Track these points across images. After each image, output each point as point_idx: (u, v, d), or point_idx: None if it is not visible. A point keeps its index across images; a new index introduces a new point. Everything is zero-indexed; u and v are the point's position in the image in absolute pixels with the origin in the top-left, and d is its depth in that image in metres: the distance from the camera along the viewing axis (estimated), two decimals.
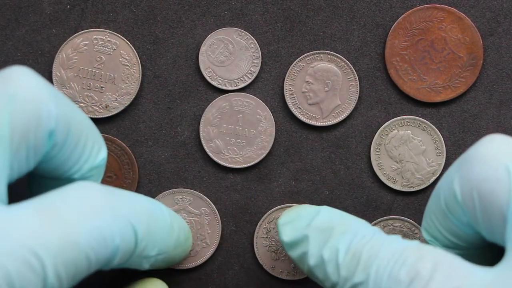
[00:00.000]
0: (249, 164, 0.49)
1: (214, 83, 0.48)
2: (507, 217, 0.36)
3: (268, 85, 0.49)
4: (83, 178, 0.41)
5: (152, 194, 0.49)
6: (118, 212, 0.38)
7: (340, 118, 0.48)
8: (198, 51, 0.48)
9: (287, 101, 0.48)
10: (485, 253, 0.40)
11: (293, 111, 0.48)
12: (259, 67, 0.48)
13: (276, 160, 0.49)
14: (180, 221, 0.45)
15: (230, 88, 0.48)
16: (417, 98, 0.48)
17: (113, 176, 0.49)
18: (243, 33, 0.48)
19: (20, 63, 0.48)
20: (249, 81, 0.48)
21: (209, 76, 0.48)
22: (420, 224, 0.49)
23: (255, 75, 0.48)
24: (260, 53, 0.48)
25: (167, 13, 0.48)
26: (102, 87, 0.48)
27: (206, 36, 0.48)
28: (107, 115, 0.48)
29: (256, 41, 0.48)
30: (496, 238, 0.37)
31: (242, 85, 0.49)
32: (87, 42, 0.48)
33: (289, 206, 0.49)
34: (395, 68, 0.48)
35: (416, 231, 0.49)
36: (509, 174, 0.36)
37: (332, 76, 0.48)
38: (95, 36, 0.48)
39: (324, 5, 0.48)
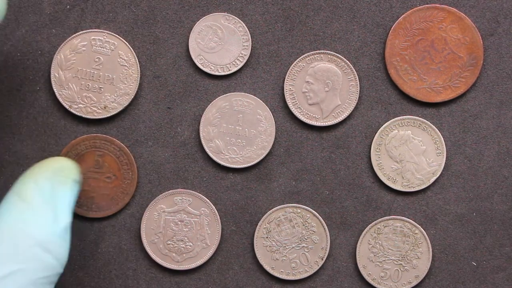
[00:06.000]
0: (249, 164, 0.49)
1: (206, 69, 0.48)
2: None
3: (268, 85, 0.49)
4: None
5: (152, 194, 0.49)
6: None
7: (340, 118, 0.48)
8: (188, 40, 0.48)
9: (287, 101, 0.48)
10: None
11: (293, 111, 0.48)
12: (249, 49, 0.48)
13: (276, 160, 0.49)
14: None
15: (222, 73, 0.48)
16: (417, 98, 0.48)
17: (112, 176, 0.49)
18: (231, 17, 0.48)
19: (20, 63, 0.48)
20: (241, 64, 0.48)
21: (200, 63, 0.48)
22: (420, 224, 0.49)
23: (246, 58, 0.48)
24: (249, 35, 0.48)
25: (167, 13, 0.48)
26: (100, 87, 0.48)
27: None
28: (106, 116, 0.48)
29: (244, 24, 0.48)
30: None
31: (234, 69, 0.48)
32: (85, 43, 0.48)
33: (289, 207, 0.49)
34: (395, 68, 0.48)
35: (416, 231, 0.49)
36: None
37: (332, 76, 0.48)
38: (93, 37, 0.48)
39: (324, 5, 0.48)
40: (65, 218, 0.42)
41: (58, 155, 0.48)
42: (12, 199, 0.41)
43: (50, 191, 0.42)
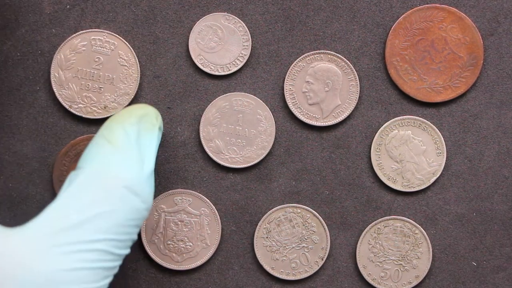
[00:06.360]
0: (249, 164, 0.49)
1: (206, 69, 0.48)
2: None
3: (268, 85, 0.49)
4: None
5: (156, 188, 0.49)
6: None
7: (340, 118, 0.48)
8: (188, 40, 0.48)
9: (287, 101, 0.48)
10: None
11: (293, 111, 0.48)
12: (249, 49, 0.48)
13: (276, 160, 0.49)
14: None
15: (222, 73, 0.48)
16: (417, 98, 0.48)
17: None
18: (231, 17, 0.48)
19: (20, 63, 0.48)
20: (241, 64, 0.48)
21: (200, 63, 0.48)
22: (420, 224, 0.49)
23: (246, 58, 0.48)
24: (249, 35, 0.48)
25: (167, 13, 0.48)
26: (100, 87, 0.48)
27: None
28: (106, 116, 0.48)
29: (244, 24, 0.48)
30: None
31: (234, 69, 0.48)
32: (85, 43, 0.48)
33: (289, 207, 0.49)
34: (395, 68, 0.48)
35: (416, 231, 0.49)
36: None
37: (332, 76, 0.48)
38: (93, 37, 0.48)
39: (324, 5, 0.48)
40: (150, 163, 0.42)
41: (58, 154, 0.48)
42: (100, 141, 0.42)
43: (136, 136, 0.42)
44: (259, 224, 0.49)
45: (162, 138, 0.49)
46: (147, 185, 0.42)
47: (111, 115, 0.44)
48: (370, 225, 0.49)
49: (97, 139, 0.42)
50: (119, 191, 0.40)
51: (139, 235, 0.49)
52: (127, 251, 0.41)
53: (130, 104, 0.48)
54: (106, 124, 0.43)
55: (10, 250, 0.38)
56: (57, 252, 0.38)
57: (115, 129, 0.42)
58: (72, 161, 0.48)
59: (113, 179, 0.40)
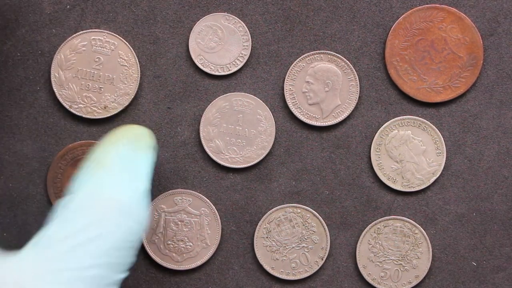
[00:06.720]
0: (249, 164, 0.49)
1: (206, 69, 0.48)
2: None
3: (268, 85, 0.49)
4: None
5: (152, 194, 0.49)
6: None
7: (340, 118, 0.48)
8: (188, 40, 0.48)
9: (287, 101, 0.48)
10: None
11: (293, 111, 0.48)
12: (249, 49, 0.48)
13: (276, 160, 0.49)
14: None
15: (223, 73, 0.48)
16: (417, 98, 0.48)
17: None
18: (231, 17, 0.48)
19: (20, 63, 0.48)
20: (241, 64, 0.48)
21: (200, 63, 0.48)
22: (420, 224, 0.49)
23: (246, 58, 0.48)
24: (249, 35, 0.48)
25: (167, 13, 0.48)
26: (100, 87, 0.48)
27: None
28: (106, 116, 0.48)
29: (244, 24, 0.48)
30: None
31: (234, 69, 0.48)
32: (85, 43, 0.48)
33: (289, 206, 0.49)
34: (395, 68, 0.48)
35: (416, 231, 0.49)
36: None
37: (332, 76, 0.48)
38: (93, 37, 0.48)
39: (324, 5, 0.48)
40: (145, 184, 0.42)
41: (55, 156, 0.48)
42: (92, 165, 0.41)
43: (129, 157, 0.42)
44: (259, 224, 0.49)
45: (161, 138, 0.49)
46: (142, 206, 0.41)
47: (105, 136, 0.44)
48: (370, 225, 0.49)
49: (90, 162, 0.42)
50: (113, 212, 0.40)
51: None
52: (124, 274, 0.41)
53: (130, 104, 0.48)
54: (97, 146, 0.43)
55: (4, 275, 0.38)
56: (52, 278, 0.38)
57: (108, 151, 0.42)
58: (68, 164, 0.48)
59: (106, 201, 0.40)
